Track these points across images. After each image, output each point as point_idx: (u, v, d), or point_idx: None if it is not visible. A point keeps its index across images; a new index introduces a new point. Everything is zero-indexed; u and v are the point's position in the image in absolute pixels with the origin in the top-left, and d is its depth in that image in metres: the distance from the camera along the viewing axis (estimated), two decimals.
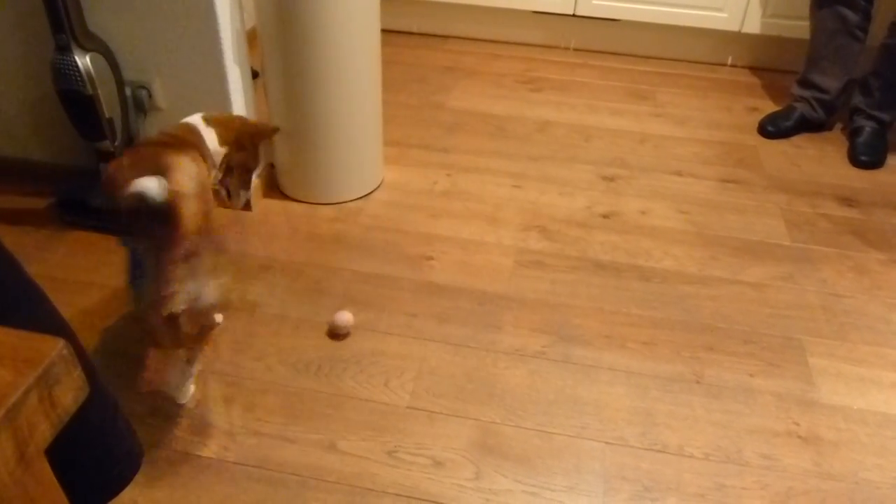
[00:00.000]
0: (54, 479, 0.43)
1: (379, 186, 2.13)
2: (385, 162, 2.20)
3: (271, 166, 2.10)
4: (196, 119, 1.42)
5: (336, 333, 1.61)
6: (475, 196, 2.11)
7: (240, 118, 1.53)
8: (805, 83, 2.49)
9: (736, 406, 1.49)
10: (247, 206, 1.49)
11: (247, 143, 1.47)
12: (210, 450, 1.36)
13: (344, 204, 2.05)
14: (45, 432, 0.38)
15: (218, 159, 1.42)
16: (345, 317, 1.60)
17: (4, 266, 0.87)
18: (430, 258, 1.86)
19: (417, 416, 1.44)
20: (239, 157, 1.48)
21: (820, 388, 1.54)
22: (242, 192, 1.54)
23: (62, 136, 1.99)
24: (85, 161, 1.98)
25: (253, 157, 1.52)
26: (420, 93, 2.69)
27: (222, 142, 1.42)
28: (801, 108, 2.49)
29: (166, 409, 1.43)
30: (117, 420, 1.12)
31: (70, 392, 0.39)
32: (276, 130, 1.59)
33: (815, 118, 2.49)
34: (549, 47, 3.10)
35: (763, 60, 2.97)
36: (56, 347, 0.38)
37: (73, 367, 0.39)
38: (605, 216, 2.05)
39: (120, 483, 1.18)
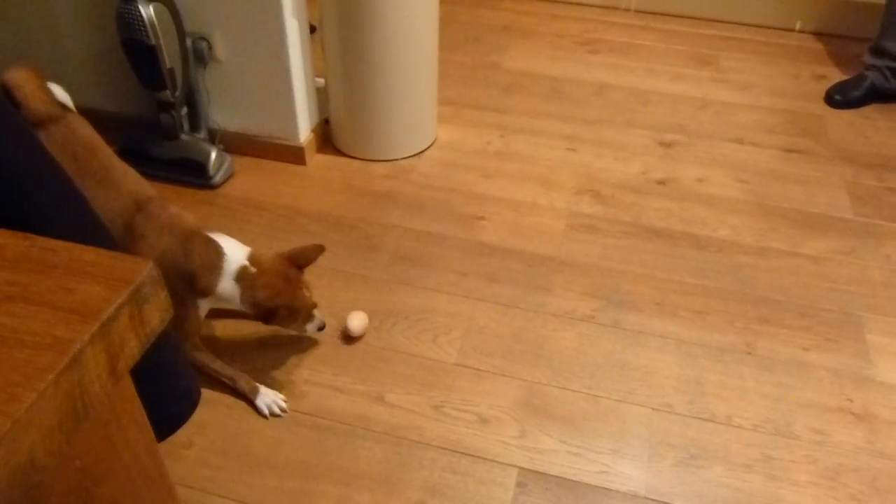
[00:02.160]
0: (137, 398, 0.45)
1: (432, 145, 2.13)
2: (439, 120, 2.19)
3: (326, 122, 2.11)
4: (232, 262, 1.33)
5: (349, 336, 1.52)
6: (528, 158, 2.09)
7: (275, 269, 1.34)
8: (878, 51, 2.37)
9: (788, 379, 1.46)
10: (321, 330, 1.44)
11: (268, 315, 1.33)
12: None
13: (397, 161, 2.06)
14: (133, 349, 0.40)
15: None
16: (357, 321, 1.50)
17: (54, 173, 0.89)
18: (482, 218, 1.85)
19: (464, 373, 1.45)
20: (275, 321, 1.36)
21: (877, 366, 1.50)
22: (308, 324, 1.42)
23: (125, 86, 2.03)
24: (146, 111, 2.02)
25: (296, 314, 1.38)
26: (476, 52, 2.65)
27: (246, 305, 1.33)
28: (872, 76, 2.38)
29: (221, 355, 1.47)
30: (178, 359, 1.16)
31: (157, 312, 0.40)
32: (319, 251, 1.39)
33: (886, 88, 2.38)
34: (609, 8, 3.02)
35: (833, 26, 2.84)
36: (146, 268, 0.39)
37: (160, 288, 0.40)
38: (660, 182, 2.01)
39: (178, 420, 1.23)
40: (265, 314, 1.31)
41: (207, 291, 1.31)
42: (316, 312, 1.42)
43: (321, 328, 1.43)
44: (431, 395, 1.41)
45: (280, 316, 1.33)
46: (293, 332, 1.50)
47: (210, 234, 1.34)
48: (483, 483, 1.26)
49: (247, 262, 1.33)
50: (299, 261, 1.36)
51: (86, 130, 1.40)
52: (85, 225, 0.93)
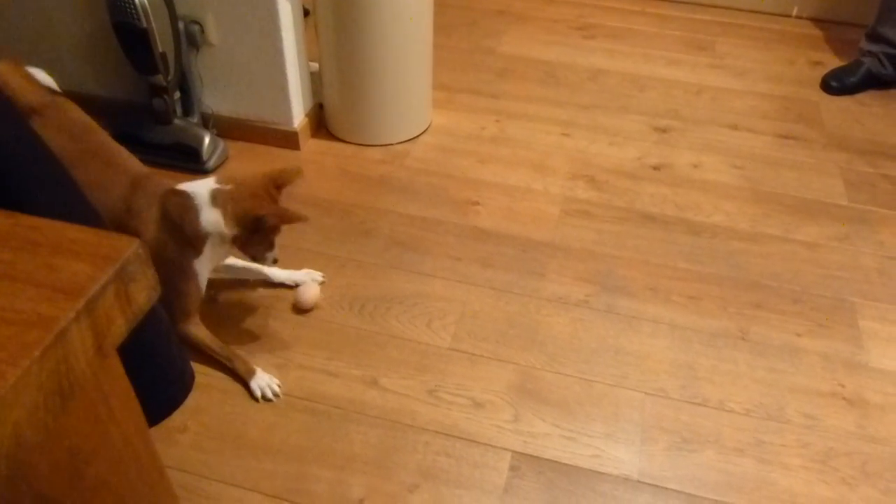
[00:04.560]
0: (125, 376, 0.44)
1: (427, 130, 2.12)
2: (433, 105, 2.17)
3: (320, 106, 2.10)
4: (202, 193, 1.33)
5: (300, 309, 1.55)
6: (523, 143, 2.09)
7: (253, 185, 1.34)
8: (874, 37, 2.36)
9: (781, 364, 1.47)
10: (274, 263, 1.44)
11: (257, 225, 1.32)
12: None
13: (391, 146, 2.05)
14: (120, 327, 0.39)
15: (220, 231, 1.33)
16: (308, 294, 1.53)
17: (44, 157, 0.89)
18: (476, 203, 1.85)
19: (458, 358, 1.46)
20: (255, 237, 1.35)
21: (869, 352, 1.50)
22: (269, 254, 1.41)
23: (116, 70, 2.01)
24: (138, 96, 2.00)
25: (274, 232, 1.38)
26: (471, 37, 2.64)
27: (231, 223, 1.32)
28: (868, 63, 2.38)
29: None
30: (171, 343, 1.16)
31: (144, 291, 0.40)
32: (297, 173, 1.39)
33: (883, 74, 2.38)
34: None
35: (830, 12, 2.83)
36: (132, 246, 0.39)
37: (147, 266, 0.40)
38: (655, 168, 2.00)
39: (172, 404, 1.23)
40: (253, 224, 1.30)
41: (197, 236, 1.32)
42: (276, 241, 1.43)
43: (275, 261, 1.44)
44: (425, 380, 1.41)
45: (268, 227, 1.32)
46: (253, 265, 1.54)
47: (178, 186, 1.36)
48: (477, 466, 1.27)
49: (216, 185, 1.33)
50: (278, 181, 1.36)
51: (76, 112, 1.40)
52: (71, 204, 0.92)
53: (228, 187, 1.33)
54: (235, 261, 1.57)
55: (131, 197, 1.33)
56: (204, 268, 1.38)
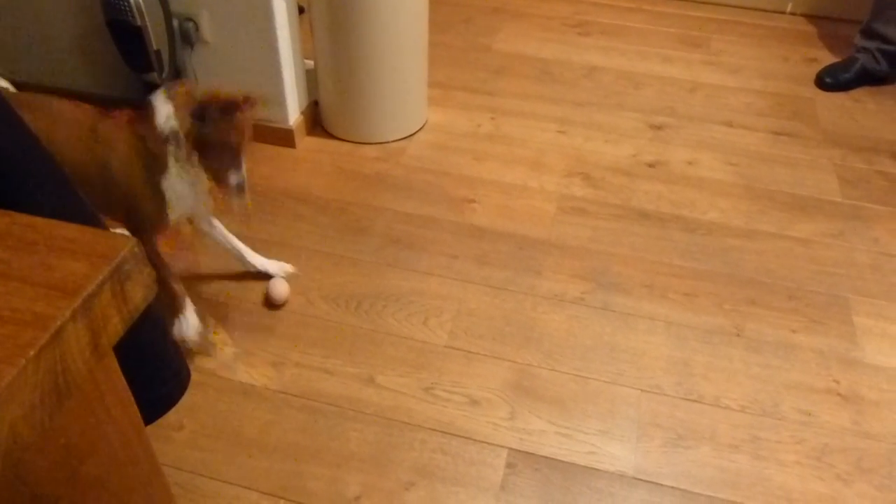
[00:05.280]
0: (121, 375, 0.44)
1: (422, 128, 2.12)
2: (429, 103, 2.17)
3: (315, 104, 2.10)
4: (159, 94, 1.33)
5: (272, 304, 1.55)
6: (519, 140, 2.09)
7: (216, 91, 1.33)
8: (868, 33, 2.37)
9: (776, 361, 1.47)
10: (240, 191, 1.35)
11: (214, 114, 1.28)
12: (253, 379, 1.40)
13: (387, 144, 2.05)
14: (116, 326, 0.39)
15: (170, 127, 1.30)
16: (279, 289, 1.54)
17: (38, 154, 0.88)
18: (472, 201, 1.85)
19: (455, 356, 1.46)
20: (212, 132, 1.31)
21: (864, 348, 1.51)
22: (232, 174, 1.35)
23: (111, 67, 2.00)
24: (133, 93, 1.99)
25: (227, 132, 1.32)
26: (466, 34, 2.64)
27: (181, 115, 1.29)
28: (862, 59, 2.38)
29: (212, 337, 1.47)
30: (167, 341, 1.16)
31: (140, 289, 0.40)
32: (249, 100, 1.34)
33: (877, 70, 2.38)
34: None
35: (824, 8, 2.83)
36: (128, 245, 0.39)
37: (143, 265, 0.40)
38: (650, 165, 2.01)
39: (168, 403, 1.23)
40: (199, 113, 1.27)
41: (157, 139, 1.29)
42: (244, 167, 1.37)
43: (240, 185, 1.36)
44: (422, 377, 1.41)
45: (227, 128, 1.29)
46: (233, 241, 1.52)
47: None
48: (473, 464, 1.27)
49: (167, 88, 1.32)
50: (236, 102, 1.32)
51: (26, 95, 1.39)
52: (68, 204, 0.92)
53: (184, 86, 1.31)
54: (217, 225, 1.53)
55: (98, 124, 1.31)
56: (172, 192, 1.35)
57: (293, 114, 2.00)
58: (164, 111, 1.29)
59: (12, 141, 0.84)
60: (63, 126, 1.30)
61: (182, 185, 1.36)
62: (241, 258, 1.58)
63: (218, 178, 1.34)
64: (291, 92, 1.96)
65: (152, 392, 1.22)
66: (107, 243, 0.39)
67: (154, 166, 1.33)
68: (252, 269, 1.60)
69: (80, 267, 0.38)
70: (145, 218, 1.36)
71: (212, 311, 1.53)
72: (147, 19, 1.70)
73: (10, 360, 0.34)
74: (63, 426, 0.41)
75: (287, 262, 1.63)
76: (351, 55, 1.88)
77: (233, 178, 1.34)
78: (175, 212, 1.37)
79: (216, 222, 1.54)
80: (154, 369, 1.16)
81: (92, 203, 1.09)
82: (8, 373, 0.33)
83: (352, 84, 1.94)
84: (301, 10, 1.96)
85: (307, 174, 1.93)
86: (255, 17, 1.80)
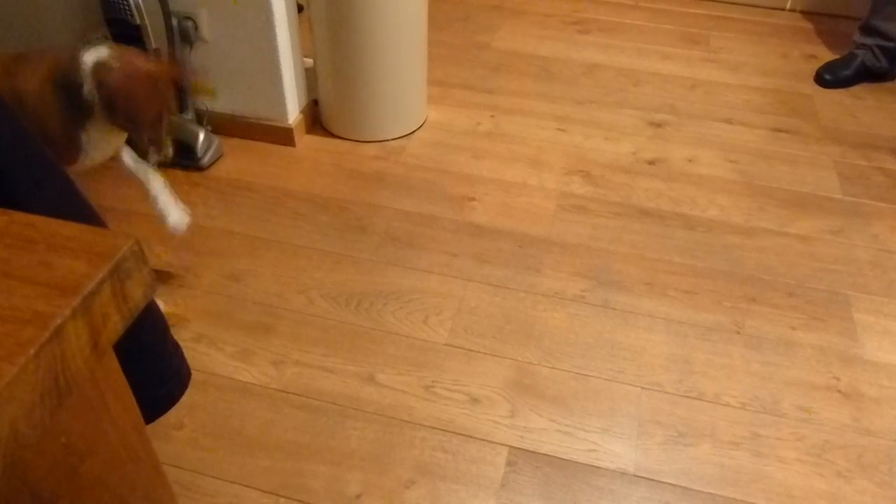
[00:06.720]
0: (122, 374, 0.44)
1: (422, 126, 2.12)
2: (428, 101, 2.17)
3: (315, 103, 2.09)
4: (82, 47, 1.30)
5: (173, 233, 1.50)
6: (519, 138, 2.09)
7: (134, 59, 1.30)
8: (868, 29, 2.37)
9: (776, 358, 1.47)
10: (157, 150, 1.34)
11: (117, 80, 1.25)
12: (254, 377, 1.40)
13: (387, 142, 2.05)
14: (116, 324, 0.39)
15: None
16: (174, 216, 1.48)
17: (36, 155, 0.88)
18: (472, 199, 1.85)
19: (455, 354, 1.46)
20: (115, 97, 1.27)
21: (864, 345, 1.51)
22: (151, 150, 1.33)
23: None
24: None
25: (132, 99, 1.29)
26: (465, 32, 2.63)
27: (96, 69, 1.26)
28: (862, 55, 2.38)
29: (212, 336, 1.47)
30: (167, 340, 1.16)
31: (140, 287, 0.40)
32: (171, 72, 1.31)
33: (876, 67, 2.38)
34: None
35: (823, 5, 2.83)
36: (128, 243, 0.39)
37: (143, 263, 0.40)
38: (650, 163, 2.01)
39: (168, 402, 1.23)
40: (103, 78, 1.25)
41: (74, 83, 1.27)
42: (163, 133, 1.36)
43: (155, 142, 1.35)
44: (422, 376, 1.41)
45: (132, 96, 1.27)
46: (150, 158, 1.44)
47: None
48: (473, 462, 1.27)
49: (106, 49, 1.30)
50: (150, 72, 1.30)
51: None
52: (68, 203, 0.92)
53: (115, 51, 1.29)
54: (140, 162, 1.48)
55: (13, 62, 1.29)
56: (87, 137, 1.33)
57: (293, 112, 2.00)
58: (91, 58, 1.27)
59: (10, 140, 0.84)
60: None
61: (96, 134, 1.34)
62: (154, 201, 1.49)
63: (138, 147, 1.38)
64: (291, 90, 1.96)
65: (153, 391, 1.22)
66: (106, 242, 0.38)
67: (71, 108, 1.30)
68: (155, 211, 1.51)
69: (79, 265, 0.38)
70: (58, 154, 1.32)
71: (211, 311, 1.53)
72: (146, 18, 1.70)
73: (10, 359, 0.34)
74: (63, 425, 0.41)
75: (287, 261, 1.63)
76: (350, 53, 1.88)
77: (152, 156, 1.37)
78: (89, 156, 1.36)
79: (140, 160, 1.47)
80: (154, 368, 1.16)
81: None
82: (8, 371, 0.33)
83: (351, 82, 1.94)
84: (300, 9, 1.96)
85: (307, 173, 1.93)
86: (255, 16, 1.80)
